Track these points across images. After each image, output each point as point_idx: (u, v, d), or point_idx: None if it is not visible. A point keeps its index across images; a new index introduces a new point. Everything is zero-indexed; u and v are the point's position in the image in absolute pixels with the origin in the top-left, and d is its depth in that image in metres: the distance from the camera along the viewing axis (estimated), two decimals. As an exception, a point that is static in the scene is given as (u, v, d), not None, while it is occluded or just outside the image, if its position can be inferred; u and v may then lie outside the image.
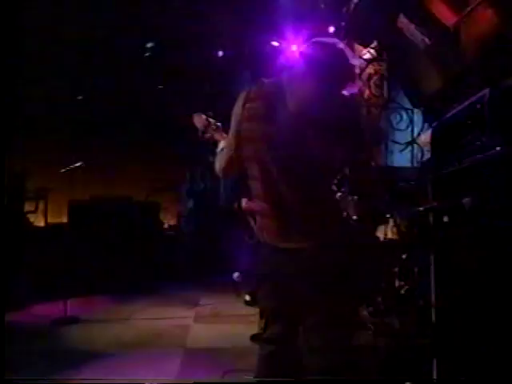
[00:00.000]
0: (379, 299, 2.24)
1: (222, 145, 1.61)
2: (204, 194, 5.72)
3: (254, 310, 2.81)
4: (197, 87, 5.10)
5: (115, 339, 3.06)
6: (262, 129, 1.34)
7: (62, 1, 4.55)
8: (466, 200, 1.49)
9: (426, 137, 2.36)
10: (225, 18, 4.49)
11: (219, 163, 1.52)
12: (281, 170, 1.32)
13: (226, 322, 3.52)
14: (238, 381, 1.51)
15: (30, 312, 3.72)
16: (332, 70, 1.37)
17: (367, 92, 3.40)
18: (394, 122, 3.15)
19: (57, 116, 5.64)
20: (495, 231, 1.42)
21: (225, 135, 1.61)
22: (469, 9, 2.44)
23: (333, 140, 1.31)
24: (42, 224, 4.69)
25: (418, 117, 3.09)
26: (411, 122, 3.09)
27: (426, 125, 2.69)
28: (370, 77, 3.37)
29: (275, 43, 4.01)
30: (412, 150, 3.07)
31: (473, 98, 1.57)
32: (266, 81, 1.42)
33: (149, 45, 4.53)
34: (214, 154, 1.64)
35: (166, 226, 6.26)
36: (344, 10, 3.36)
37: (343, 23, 3.10)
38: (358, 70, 1.44)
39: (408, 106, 3.14)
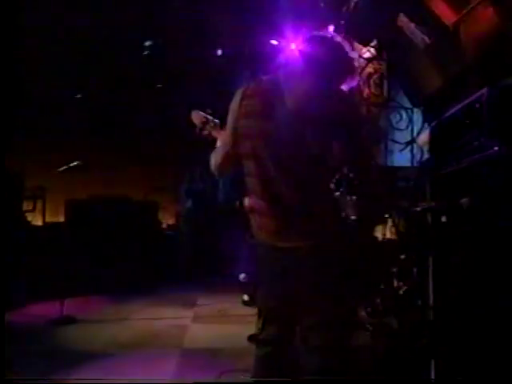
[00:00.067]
0: (378, 300, 2.23)
1: (219, 142, 1.60)
2: (203, 193, 5.71)
3: (252, 311, 2.79)
4: (196, 86, 5.09)
5: (112, 339, 3.04)
6: (259, 126, 1.33)
7: (60, 0, 4.55)
8: (464, 200, 1.48)
9: (424, 136, 2.34)
10: (224, 17, 4.48)
11: (214, 160, 1.51)
12: (278, 167, 1.31)
13: (224, 323, 3.51)
14: (239, 381, 1.50)
15: (26, 312, 3.70)
16: (330, 64, 1.36)
17: (367, 91, 3.39)
18: (394, 122, 3.14)
19: (55, 115, 5.63)
20: (493, 231, 1.41)
21: (223, 132, 1.60)
22: (469, 8, 2.43)
23: (331, 137, 1.29)
24: (39, 223, 4.67)
25: (417, 116, 3.07)
26: (411, 121, 3.08)
27: (426, 124, 2.67)
28: (369, 76, 3.35)
29: (275, 42, 4.00)
30: (412, 150, 3.06)
31: (471, 98, 1.56)
32: (263, 78, 1.41)
33: (147, 43, 4.52)
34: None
35: (164, 225, 6.25)
36: (344, 8, 3.35)
37: (343, 22, 3.09)
38: (357, 63, 1.42)
39: (408, 105, 3.13)
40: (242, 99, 1.38)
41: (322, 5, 3.43)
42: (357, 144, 1.34)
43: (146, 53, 4.57)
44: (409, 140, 3.03)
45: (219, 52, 4.30)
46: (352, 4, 3.26)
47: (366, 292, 2.27)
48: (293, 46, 3.12)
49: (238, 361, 2.38)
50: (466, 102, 1.60)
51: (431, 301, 1.76)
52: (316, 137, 1.28)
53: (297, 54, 1.39)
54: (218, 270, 5.18)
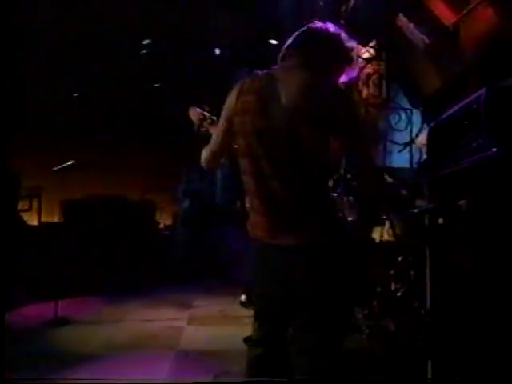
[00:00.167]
0: (375, 302, 2.21)
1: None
2: (200, 193, 5.69)
3: (250, 312, 2.76)
4: (194, 85, 5.07)
5: (107, 341, 3.01)
6: (254, 122, 1.31)
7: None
8: (461, 202, 1.46)
9: (422, 137, 2.32)
10: (223, 16, 4.47)
11: (205, 154, 1.49)
12: (272, 164, 1.28)
13: (220, 324, 3.48)
14: (239, 381, 1.48)
15: (20, 313, 3.66)
16: (325, 56, 1.33)
17: (366, 91, 3.38)
18: (393, 122, 3.12)
19: (51, 114, 5.61)
20: (491, 233, 1.39)
21: None
22: (468, 8, 2.41)
23: (327, 134, 1.27)
24: (35, 223, 4.64)
25: (416, 117, 3.05)
26: (410, 122, 3.06)
27: (425, 125, 2.65)
28: (368, 76, 3.34)
29: (274, 41, 3.99)
30: (411, 151, 3.04)
31: (469, 98, 1.54)
32: (259, 73, 1.38)
33: (145, 42, 4.50)
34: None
35: (161, 225, 6.23)
36: (343, 8, 3.34)
37: (342, 21, 3.07)
38: (355, 53, 1.39)
39: (407, 105, 3.11)
40: (238, 95, 1.36)
41: (321, 4, 3.41)
42: (355, 142, 1.31)
43: (144, 51, 4.56)
44: (408, 141, 3.01)
45: (217, 51, 4.29)
46: (351, 4, 3.25)
47: (363, 294, 2.25)
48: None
49: (234, 363, 2.35)
50: (464, 102, 1.58)
51: (428, 303, 1.74)
52: (311, 133, 1.25)
53: (290, 46, 1.36)
54: (215, 271, 5.15)
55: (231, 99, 1.38)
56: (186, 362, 2.63)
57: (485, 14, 2.31)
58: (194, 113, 1.70)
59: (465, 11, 2.42)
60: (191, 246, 5.59)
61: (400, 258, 2.05)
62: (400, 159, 3.23)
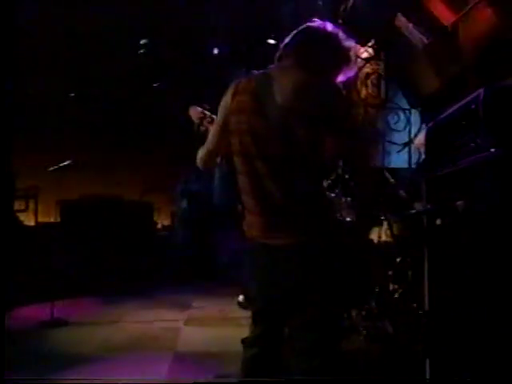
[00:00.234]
0: (373, 303, 2.20)
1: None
2: (198, 194, 5.67)
3: (248, 313, 2.75)
4: (193, 85, 5.05)
5: (104, 343, 2.99)
6: (249, 121, 1.30)
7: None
8: (459, 202, 1.45)
9: (420, 138, 2.31)
10: (222, 16, 4.45)
11: (200, 154, 1.48)
12: (267, 164, 1.27)
13: (218, 325, 3.46)
14: (238, 381, 1.47)
15: (16, 314, 3.64)
16: (323, 56, 1.32)
17: (364, 92, 3.36)
18: (392, 123, 3.11)
19: (48, 114, 5.58)
20: (489, 234, 1.38)
21: None
22: (467, 8, 2.40)
23: (322, 134, 1.26)
24: (32, 223, 4.62)
25: (415, 117, 3.05)
26: (408, 122, 3.06)
27: (424, 125, 2.65)
28: (367, 76, 3.33)
29: (272, 41, 3.98)
30: (409, 151, 3.03)
31: (467, 98, 1.53)
32: (255, 73, 1.37)
33: (143, 41, 4.49)
34: None
35: (159, 226, 6.21)
36: (342, 8, 3.32)
37: (340, 21, 3.06)
38: (353, 52, 1.37)
39: (406, 106, 3.10)
40: (233, 95, 1.35)
41: (320, 3, 3.40)
42: (351, 143, 1.30)
43: (141, 51, 4.54)
44: (406, 141, 3.00)
45: (215, 50, 4.28)
46: (350, 3, 3.24)
47: (361, 295, 2.24)
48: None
49: (232, 364, 2.33)
50: (462, 102, 1.57)
51: (427, 304, 1.73)
52: (306, 133, 1.24)
53: (286, 46, 1.35)
54: (213, 272, 5.14)
55: (227, 99, 1.37)
56: (184, 364, 2.61)
57: (483, 15, 2.31)
58: (195, 111, 1.70)
59: (463, 11, 2.42)
60: (189, 246, 5.57)
61: (398, 259, 2.04)
62: (399, 159, 3.22)
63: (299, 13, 3.52)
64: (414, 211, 1.70)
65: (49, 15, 4.55)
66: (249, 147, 1.29)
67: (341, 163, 2.06)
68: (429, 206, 1.68)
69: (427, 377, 1.68)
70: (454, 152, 1.58)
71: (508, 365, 1.29)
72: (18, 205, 4.56)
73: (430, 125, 1.88)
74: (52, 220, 4.63)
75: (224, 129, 1.38)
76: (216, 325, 3.48)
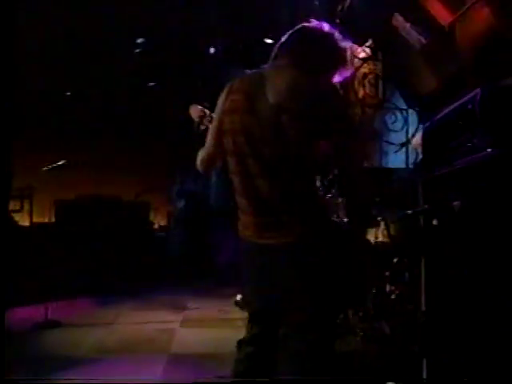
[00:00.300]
0: (369, 304, 2.19)
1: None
2: (195, 194, 5.66)
3: (244, 314, 2.73)
4: (189, 84, 5.04)
5: (98, 344, 2.97)
6: (242, 121, 1.29)
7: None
8: (456, 202, 1.44)
9: (417, 138, 2.30)
10: (218, 15, 4.44)
11: (201, 157, 1.47)
12: (259, 163, 1.27)
13: (214, 327, 3.44)
14: (237, 380, 1.45)
15: (9, 315, 3.60)
16: (318, 56, 1.31)
17: (362, 92, 3.35)
18: (389, 123, 3.11)
19: (43, 113, 5.55)
20: (485, 234, 1.37)
21: None
22: (464, 8, 2.40)
23: (313, 132, 1.24)
24: (26, 223, 4.58)
25: (413, 117, 3.04)
26: (406, 122, 3.05)
27: (421, 125, 2.63)
28: (364, 76, 3.32)
29: (269, 40, 3.96)
30: (407, 151, 3.03)
31: (464, 98, 1.52)
32: (248, 72, 1.36)
33: (139, 41, 4.47)
34: None
35: (156, 226, 6.19)
36: (339, 7, 3.32)
37: (337, 21, 3.05)
38: (349, 52, 1.36)
39: (403, 106, 3.09)
40: (227, 95, 1.35)
41: (316, 3, 3.40)
42: (343, 143, 1.29)
43: (138, 50, 4.52)
44: (403, 141, 3.00)
45: (211, 50, 4.26)
46: (347, 3, 3.23)
47: (357, 295, 2.23)
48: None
49: (227, 366, 2.31)
50: (459, 102, 1.56)
51: (423, 305, 1.72)
52: (298, 133, 1.23)
53: (281, 46, 1.34)
54: (210, 272, 5.11)
55: (221, 99, 1.37)
56: (179, 366, 2.59)
57: (481, 14, 2.30)
58: (195, 110, 1.69)
59: (461, 11, 2.41)
60: (186, 246, 5.55)
61: (395, 260, 2.03)
62: (396, 160, 3.22)
63: (296, 12, 3.51)
64: (410, 211, 1.69)
65: (49, 15, 4.52)
66: (242, 147, 1.28)
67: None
68: (426, 206, 1.67)
69: (424, 377, 1.67)
70: (450, 152, 1.57)
71: (505, 365, 1.29)
72: (12, 205, 4.52)
73: (427, 125, 1.87)
74: (47, 220, 4.60)
75: (220, 129, 1.37)
76: (212, 326, 3.46)
